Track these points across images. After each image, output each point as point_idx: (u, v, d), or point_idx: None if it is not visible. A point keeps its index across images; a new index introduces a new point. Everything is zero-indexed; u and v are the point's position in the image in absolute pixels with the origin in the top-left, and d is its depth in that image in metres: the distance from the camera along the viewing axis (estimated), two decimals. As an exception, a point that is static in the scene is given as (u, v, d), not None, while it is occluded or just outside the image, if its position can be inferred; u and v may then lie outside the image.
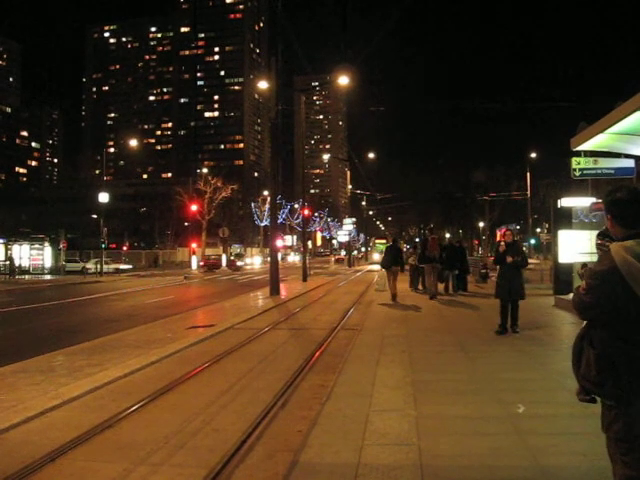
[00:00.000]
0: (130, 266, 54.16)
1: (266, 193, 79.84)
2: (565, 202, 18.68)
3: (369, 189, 75.83)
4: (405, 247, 72.17)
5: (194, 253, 54.68)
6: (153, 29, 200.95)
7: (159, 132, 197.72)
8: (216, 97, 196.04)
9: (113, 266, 50.36)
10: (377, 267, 55.20)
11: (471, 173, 70.76)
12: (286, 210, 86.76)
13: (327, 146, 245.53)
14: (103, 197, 45.08)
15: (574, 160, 15.39)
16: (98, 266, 46.12)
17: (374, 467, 4.49)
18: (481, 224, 71.33)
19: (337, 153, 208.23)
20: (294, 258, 78.02)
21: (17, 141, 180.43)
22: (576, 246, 15.37)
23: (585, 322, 2.99)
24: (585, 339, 2.94)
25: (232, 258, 61.87)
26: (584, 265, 3.02)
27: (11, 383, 7.79)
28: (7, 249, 44.84)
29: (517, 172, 61.20)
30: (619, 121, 9.77)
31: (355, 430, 5.42)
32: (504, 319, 11.17)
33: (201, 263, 57.41)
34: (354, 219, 78.01)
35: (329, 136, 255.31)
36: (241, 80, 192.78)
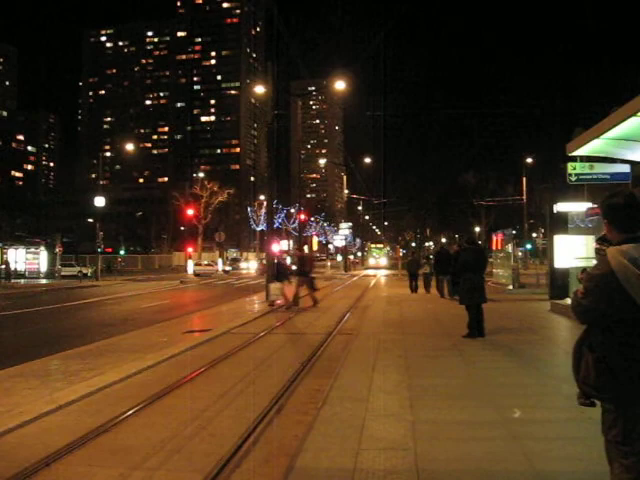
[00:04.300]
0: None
1: (262, 197, 79.85)
2: (561, 207, 18.73)
3: (365, 194, 75.94)
4: (401, 252, 72.35)
5: (190, 257, 54.58)
6: (150, 33, 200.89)
7: (155, 136, 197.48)
8: (212, 101, 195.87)
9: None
10: (372, 272, 55.38)
11: (461, 177, 71.22)
12: (282, 215, 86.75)
13: (323, 151, 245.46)
14: (99, 201, 44.96)
15: (570, 165, 15.43)
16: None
17: (370, 472, 4.49)
18: (477, 229, 71.45)
19: (333, 158, 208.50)
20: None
21: (13, 145, 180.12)
22: (572, 251, 15.42)
23: (585, 326, 3.00)
24: (584, 343, 2.96)
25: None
26: (584, 270, 3.04)
27: (7, 387, 7.76)
28: (3, 253, 44.76)
29: (512, 176, 61.47)
30: (615, 126, 9.82)
31: (351, 435, 5.41)
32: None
33: (257, 267, 55.12)
34: (350, 224, 77.90)
35: (325, 141, 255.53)
36: (237, 84, 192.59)
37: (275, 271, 20.11)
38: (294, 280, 19.79)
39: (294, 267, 21.59)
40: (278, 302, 19.60)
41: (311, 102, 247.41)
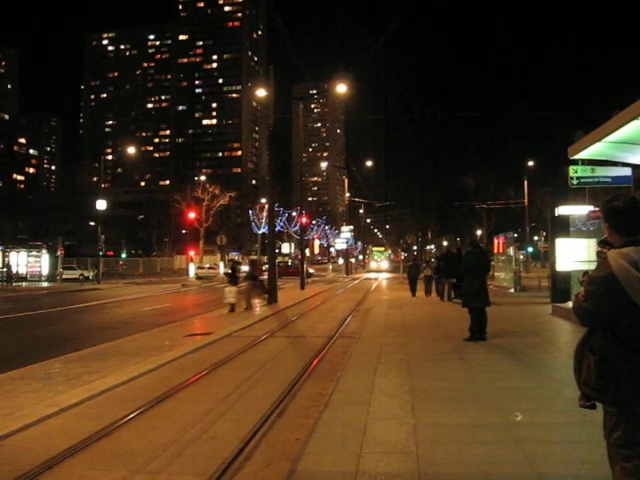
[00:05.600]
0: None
1: (264, 201, 79.81)
2: (562, 210, 18.75)
3: (367, 197, 75.96)
4: (402, 255, 72.40)
5: (191, 260, 54.46)
6: (151, 37, 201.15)
7: (157, 139, 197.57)
8: (214, 105, 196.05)
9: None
10: (374, 275, 55.37)
11: (462, 180, 71.30)
12: (284, 218, 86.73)
13: (325, 154, 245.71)
14: (101, 204, 45.01)
15: (571, 168, 15.46)
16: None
17: (372, 475, 4.49)
18: (479, 232, 71.43)
19: (335, 161, 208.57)
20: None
21: (15, 148, 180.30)
22: (573, 254, 15.42)
23: (586, 328, 3.01)
24: (586, 345, 2.96)
25: None
26: (585, 273, 3.04)
27: (9, 390, 7.76)
28: (5, 256, 44.71)
29: (513, 180, 61.51)
30: (616, 130, 9.83)
31: (353, 438, 5.41)
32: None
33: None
34: (352, 227, 77.84)
35: (327, 144, 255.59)
36: (239, 88, 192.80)
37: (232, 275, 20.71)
38: (244, 284, 20.64)
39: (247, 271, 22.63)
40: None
41: (312, 105, 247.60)
